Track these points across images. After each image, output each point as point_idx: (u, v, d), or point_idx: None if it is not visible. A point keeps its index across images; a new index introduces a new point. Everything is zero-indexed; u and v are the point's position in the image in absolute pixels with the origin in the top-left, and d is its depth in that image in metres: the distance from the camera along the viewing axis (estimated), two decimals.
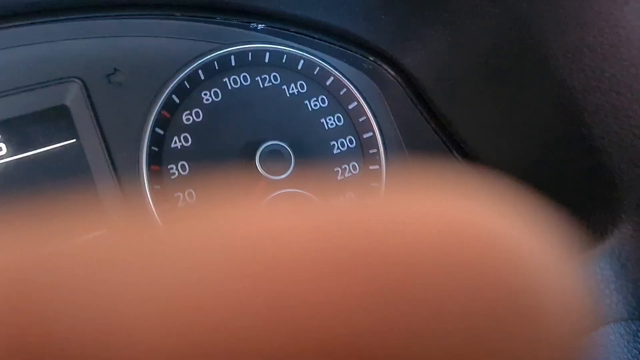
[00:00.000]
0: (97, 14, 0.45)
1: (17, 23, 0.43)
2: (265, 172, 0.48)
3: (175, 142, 0.48)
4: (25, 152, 0.43)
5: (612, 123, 0.34)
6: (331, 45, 0.52)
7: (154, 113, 0.46)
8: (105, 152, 0.44)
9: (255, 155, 0.48)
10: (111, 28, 0.45)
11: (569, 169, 0.38)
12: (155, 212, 0.45)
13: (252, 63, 0.50)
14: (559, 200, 0.41)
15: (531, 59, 0.38)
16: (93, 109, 0.45)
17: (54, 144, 0.43)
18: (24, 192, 0.42)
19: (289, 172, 0.49)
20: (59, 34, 0.44)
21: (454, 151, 0.48)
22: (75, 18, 0.44)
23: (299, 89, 0.52)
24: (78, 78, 0.44)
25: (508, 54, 0.40)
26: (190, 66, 0.48)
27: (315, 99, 0.52)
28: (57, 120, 0.44)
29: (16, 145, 0.43)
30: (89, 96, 0.45)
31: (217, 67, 0.49)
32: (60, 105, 0.44)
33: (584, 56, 0.34)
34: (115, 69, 0.46)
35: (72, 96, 0.44)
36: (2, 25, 0.43)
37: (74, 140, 0.44)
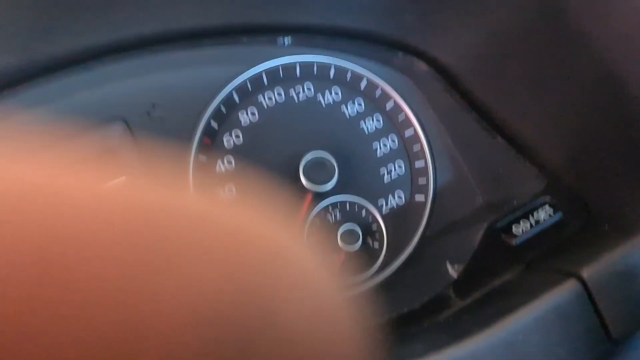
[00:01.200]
0: (127, 54, 0.46)
1: (53, 75, 0.45)
2: (311, 184, 0.48)
3: (220, 167, 0.49)
4: None
5: None
6: (360, 48, 0.51)
7: (196, 141, 0.47)
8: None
9: (298, 169, 0.48)
10: (144, 66, 0.47)
11: (614, 144, 0.37)
12: None
13: (284, 78, 0.51)
14: (602, 181, 0.39)
15: (563, 36, 0.36)
16: (138, 146, 0.46)
17: None
18: None
19: (334, 181, 0.49)
20: (96, 80, 0.46)
21: (499, 137, 0.46)
22: (108, 62, 0.46)
23: (334, 97, 0.51)
24: (121, 119, 0.46)
25: (539, 36, 0.38)
26: (224, 91, 0.48)
27: (351, 103, 0.52)
28: (106, 163, 0.46)
29: None
30: (133, 134, 0.46)
31: (250, 88, 0.50)
32: (107, 148, 0.46)
33: (617, 23, 0.32)
34: (154, 105, 0.47)
35: (117, 137, 0.46)
36: (43, 79, 0.45)
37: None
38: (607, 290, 0.33)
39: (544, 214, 0.40)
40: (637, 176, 0.36)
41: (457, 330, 0.33)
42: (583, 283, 0.33)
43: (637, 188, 0.36)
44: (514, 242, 0.40)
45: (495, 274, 0.38)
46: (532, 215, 0.41)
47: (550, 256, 0.38)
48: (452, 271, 0.41)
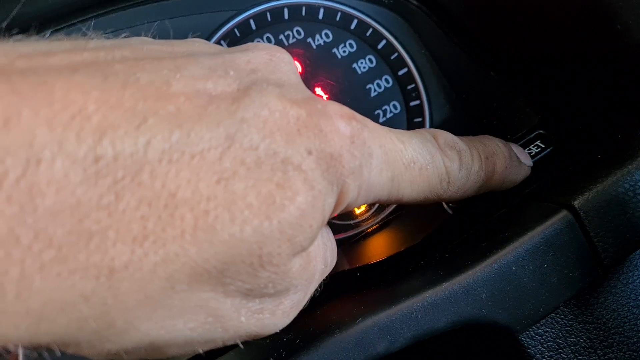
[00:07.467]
0: (112, 7, 0.45)
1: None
2: None
3: None
4: None
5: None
6: None
7: None
8: None
9: None
10: (129, 18, 0.46)
11: (604, 78, 0.36)
12: None
13: (273, 22, 0.50)
14: (594, 111, 0.38)
15: None
16: None
17: None
18: None
19: None
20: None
21: (492, 72, 0.46)
22: (93, 16, 0.45)
23: (325, 39, 0.51)
24: None
25: None
26: (212, 39, 0.48)
27: (342, 45, 0.51)
28: None
29: None
30: None
31: (238, 34, 0.49)
32: None
33: None
34: None
35: None
36: None
37: None
38: (599, 218, 0.33)
39: (536, 148, 0.40)
40: (629, 103, 0.36)
41: (453, 266, 0.33)
42: (575, 213, 0.33)
43: (630, 115, 0.36)
44: None
45: (489, 208, 0.38)
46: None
47: (543, 188, 0.38)
48: (447, 208, 0.41)
